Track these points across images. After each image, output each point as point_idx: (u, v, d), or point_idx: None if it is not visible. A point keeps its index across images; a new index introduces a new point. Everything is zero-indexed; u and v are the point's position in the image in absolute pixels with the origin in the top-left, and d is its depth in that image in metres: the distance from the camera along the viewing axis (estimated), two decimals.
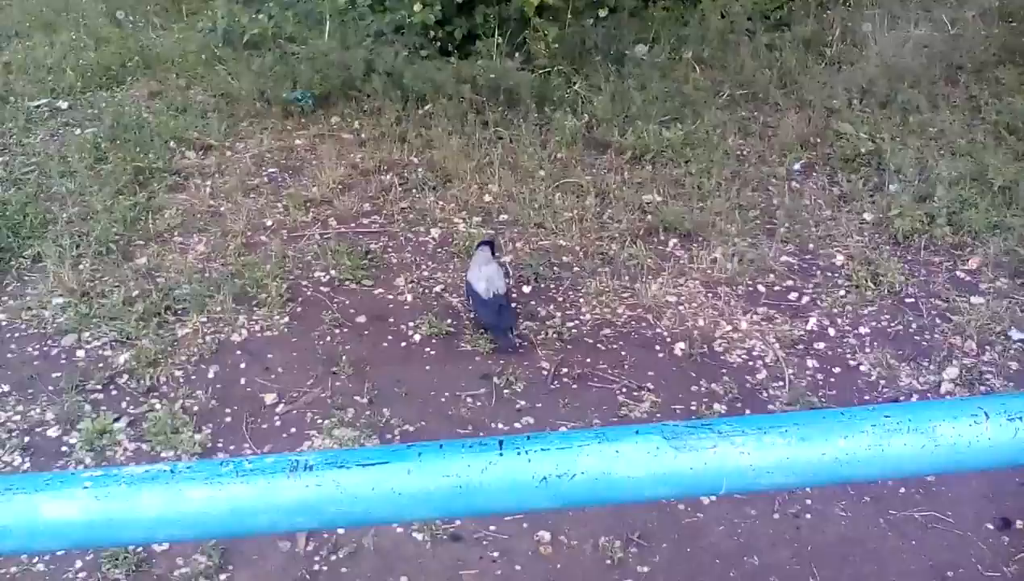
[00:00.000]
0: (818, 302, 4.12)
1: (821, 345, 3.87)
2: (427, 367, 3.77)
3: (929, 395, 3.57)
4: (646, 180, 5.01)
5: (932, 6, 6.83)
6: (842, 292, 4.17)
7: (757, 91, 5.91)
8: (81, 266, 4.27)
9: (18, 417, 3.49)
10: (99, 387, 3.63)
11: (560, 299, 4.16)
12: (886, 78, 5.81)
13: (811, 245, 4.49)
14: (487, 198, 4.90)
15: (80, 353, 3.81)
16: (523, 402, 3.57)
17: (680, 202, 4.79)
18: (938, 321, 3.99)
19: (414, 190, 4.98)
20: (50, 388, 3.62)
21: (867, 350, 3.83)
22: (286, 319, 4.02)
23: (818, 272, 4.32)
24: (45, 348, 3.84)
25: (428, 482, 1.06)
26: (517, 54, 5.97)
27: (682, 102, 5.71)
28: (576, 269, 4.34)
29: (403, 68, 5.67)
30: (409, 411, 3.53)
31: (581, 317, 4.04)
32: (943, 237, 4.47)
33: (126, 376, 3.68)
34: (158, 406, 3.52)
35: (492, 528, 3.01)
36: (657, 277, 4.25)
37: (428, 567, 2.90)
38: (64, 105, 6.01)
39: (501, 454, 1.08)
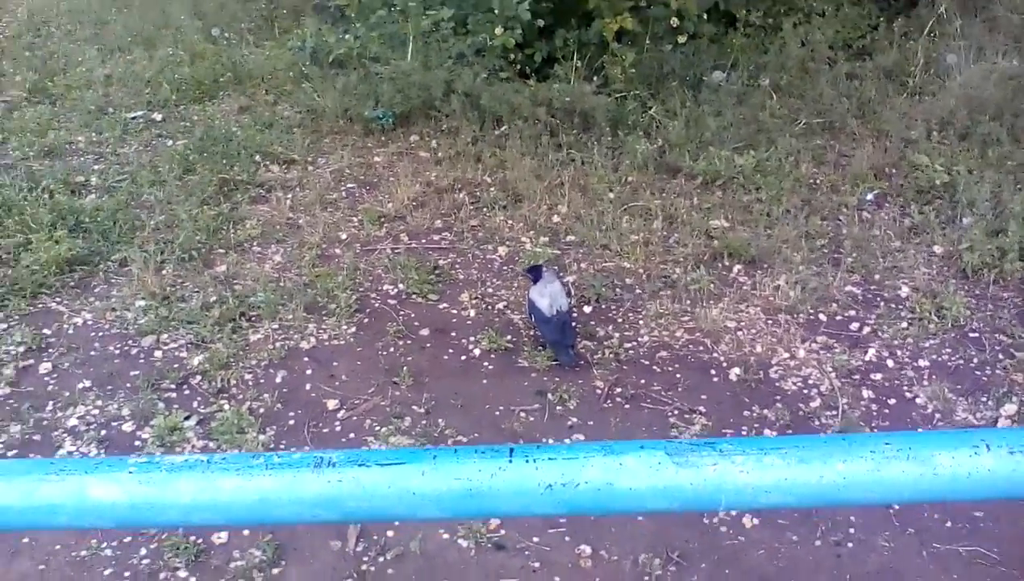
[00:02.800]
0: (879, 333, 4.10)
1: (878, 376, 3.85)
2: (484, 381, 3.86)
3: None
4: (715, 205, 5.04)
5: (1022, 37, 6.69)
6: (904, 324, 4.14)
7: (834, 120, 5.89)
8: (164, 271, 4.49)
9: (97, 411, 3.69)
10: (173, 386, 3.82)
11: (619, 320, 4.22)
12: (967, 109, 5.72)
13: (877, 276, 4.47)
14: (555, 219, 4.99)
15: (158, 353, 4.01)
16: (575, 419, 3.64)
17: (747, 229, 4.81)
18: (1001, 357, 3.93)
19: (485, 209, 5.10)
20: (128, 385, 3.82)
21: (925, 383, 3.80)
22: (353, 329, 4.16)
23: (882, 303, 4.29)
24: (126, 347, 4.05)
25: (441, 483, 1.13)
26: (595, 78, 6.05)
27: (757, 129, 5.72)
28: (638, 291, 4.39)
29: (482, 89, 5.81)
30: (464, 422, 3.62)
31: (639, 338, 4.09)
32: (1013, 273, 4.40)
33: (199, 377, 3.86)
34: (227, 407, 3.69)
35: (535, 539, 3.08)
36: (718, 302, 4.28)
37: (470, 573, 2.98)
38: (159, 117, 6.31)
39: (511, 461, 1.15)
